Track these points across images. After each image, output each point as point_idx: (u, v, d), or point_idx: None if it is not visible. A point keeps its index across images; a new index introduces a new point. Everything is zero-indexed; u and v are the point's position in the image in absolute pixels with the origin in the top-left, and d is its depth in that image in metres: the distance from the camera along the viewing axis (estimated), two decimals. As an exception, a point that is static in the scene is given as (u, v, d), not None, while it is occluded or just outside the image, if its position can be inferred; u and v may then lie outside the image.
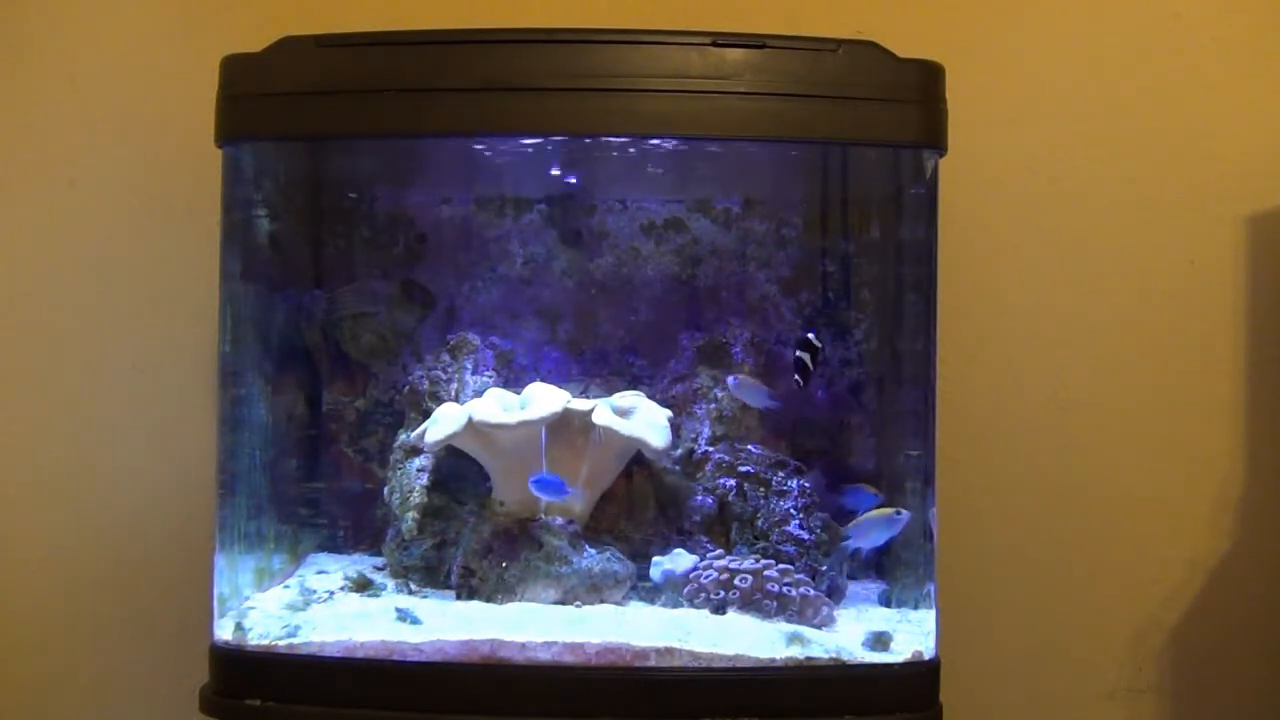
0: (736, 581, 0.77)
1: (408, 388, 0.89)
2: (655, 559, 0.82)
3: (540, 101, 0.72)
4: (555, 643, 0.72)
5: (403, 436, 0.88)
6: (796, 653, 0.72)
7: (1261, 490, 0.99)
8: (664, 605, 0.79)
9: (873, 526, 0.82)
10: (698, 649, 0.72)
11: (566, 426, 0.81)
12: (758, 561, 0.79)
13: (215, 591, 0.78)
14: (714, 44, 0.72)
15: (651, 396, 0.86)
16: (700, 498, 0.86)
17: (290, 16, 1.00)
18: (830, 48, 0.72)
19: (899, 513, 0.82)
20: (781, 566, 0.78)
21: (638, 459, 0.85)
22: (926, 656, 0.74)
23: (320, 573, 0.88)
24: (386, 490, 0.88)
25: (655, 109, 0.72)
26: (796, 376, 0.83)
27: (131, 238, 1.00)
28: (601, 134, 0.76)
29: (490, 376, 0.89)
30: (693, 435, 0.88)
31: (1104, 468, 1.00)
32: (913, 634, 0.76)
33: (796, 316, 0.94)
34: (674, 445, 0.85)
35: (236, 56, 0.75)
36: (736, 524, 0.85)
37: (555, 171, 0.92)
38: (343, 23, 0.94)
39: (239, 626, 0.75)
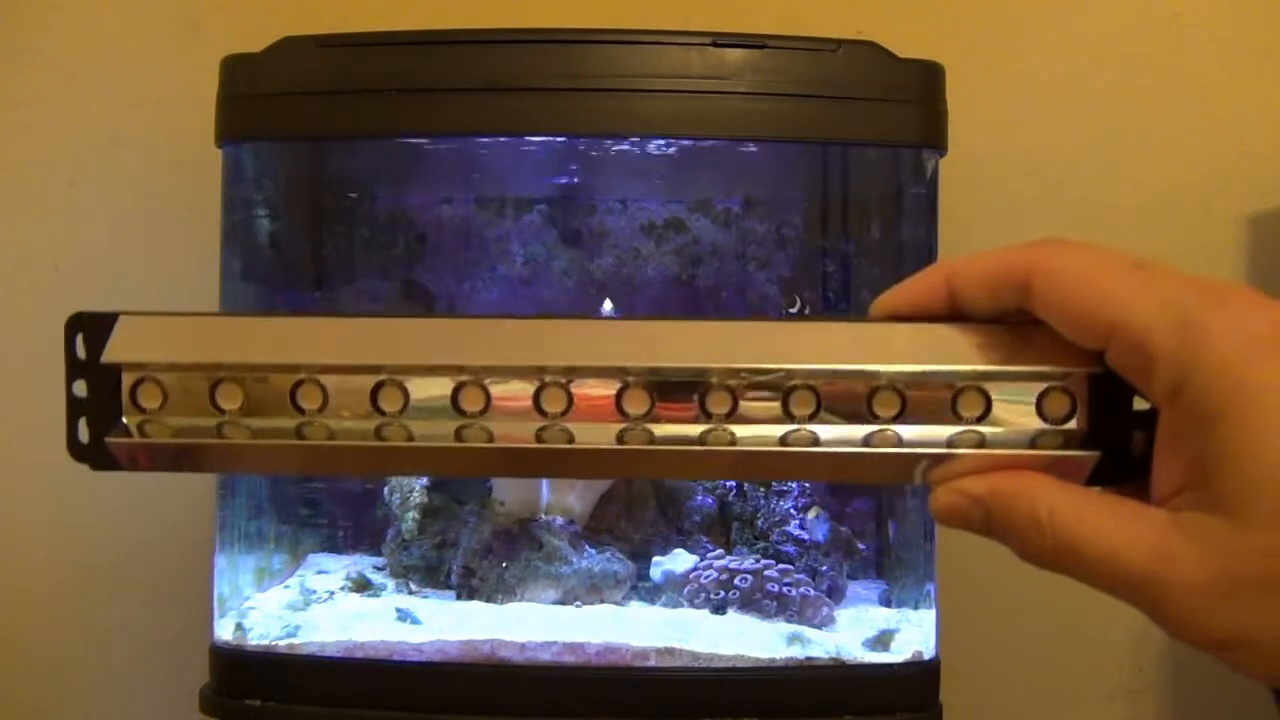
0: (736, 581, 0.77)
1: (408, 388, 0.89)
2: (655, 559, 0.82)
3: (540, 101, 0.72)
4: (555, 643, 0.72)
5: (403, 436, 0.88)
6: (796, 653, 0.72)
7: (1261, 490, 0.99)
8: (664, 605, 0.79)
9: None
10: (698, 649, 0.72)
11: (566, 426, 0.80)
12: (758, 561, 0.79)
13: (215, 591, 0.78)
14: (714, 44, 0.71)
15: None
16: (700, 498, 0.86)
17: (290, 16, 1.00)
18: (830, 48, 0.72)
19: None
20: (781, 566, 0.78)
21: (638, 459, 0.84)
22: (926, 656, 0.74)
23: (320, 573, 0.88)
24: (386, 490, 0.88)
25: (655, 109, 0.72)
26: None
27: (131, 238, 1.00)
28: (601, 134, 0.76)
29: (490, 376, 0.89)
30: (693, 435, 0.88)
31: (1104, 468, 0.99)
32: (913, 634, 0.76)
33: (797, 316, 0.94)
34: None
35: (236, 56, 0.75)
36: (736, 524, 0.86)
37: (559, 177, 0.92)
38: (343, 23, 0.94)
39: (239, 626, 0.75)
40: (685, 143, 0.77)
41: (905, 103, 0.73)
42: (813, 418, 0.33)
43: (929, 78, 0.75)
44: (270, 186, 0.87)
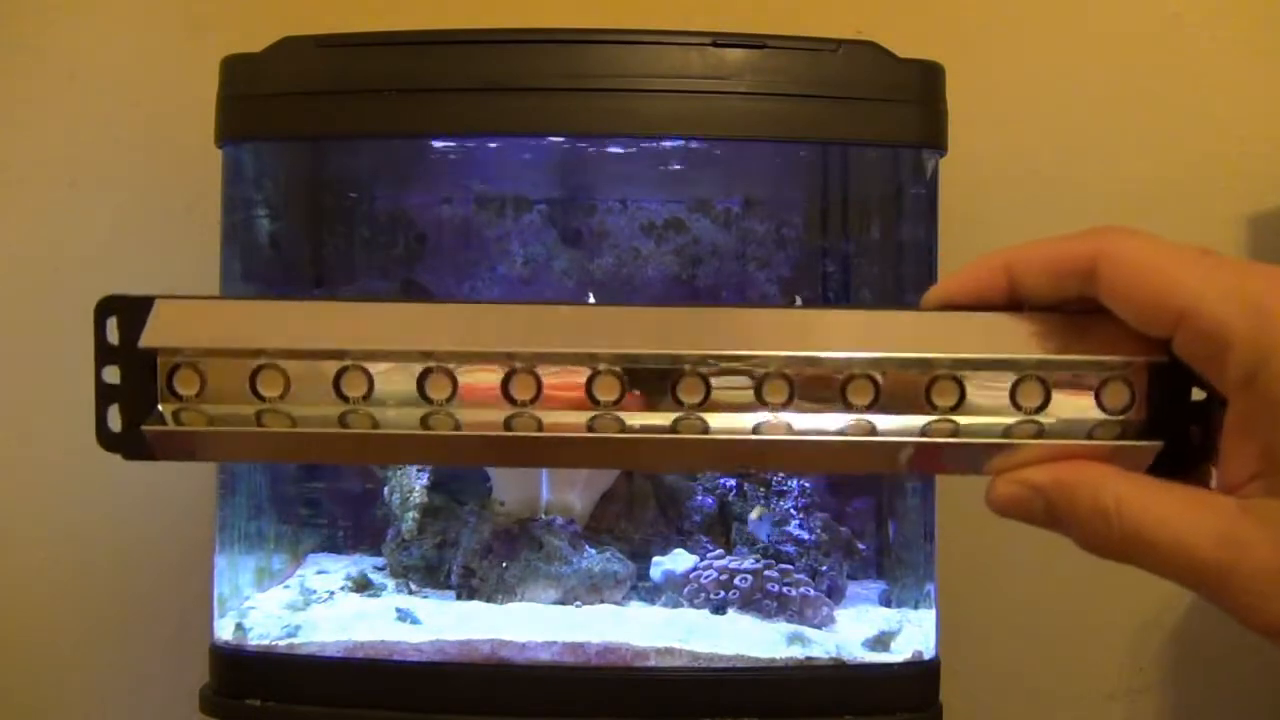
0: (736, 581, 0.77)
1: (408, 387, 0.89)
2: (655, 559, 0.82)
3: (540, 101, 0.72)
4: (555, 643, 0.72)
5: (403, 436, 0.88)
6: (796, 653, 0.72)
7: (1261, 490, 0.99)
8: (664, 605, 0.79)
9: None
10: (698, 649, 0.72)
11: (566, 426, 0.80)
12: (758, 561, 0.79)
13: (215, 591, 0.78)
14: (714, 44, 0.71)
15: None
16: (700, 498, 0.86)
17: (290, 16, 1.00)
18: (830, 48, 0.72)
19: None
20: (781, 566, 0.78)
21: (638, 459, 0.84)
22: (926, 656, 0.74)
23: (320, 573, 0.88)
24: (386, 490, 0.88)
25: (655, 109, 0.72)
26: None
27: (131, 238, 1.00)
28: (601, 134, 0.76)
29: (490, 376, 0.89)
30: (693, 435, 0.88)
31: (1104, 468, 0.99)
32: (913, 634, 0.76)
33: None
34: (674, 445, 0.85)
35: (236, 56, 0.75)
36: (736, 524, 0.85)
37: (559, 177, 0.92)
38: (343, 23, 0.94)
39: (239, 626, 0.75)
40: (685, 143, 0.77)
41: (905, 103, 0.73)
42: (870, 408, 0.33)
43: (929, 78, 0.75)
44: (270, 186, 0.87)
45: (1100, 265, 0.31)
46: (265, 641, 0.74)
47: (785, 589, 0.77)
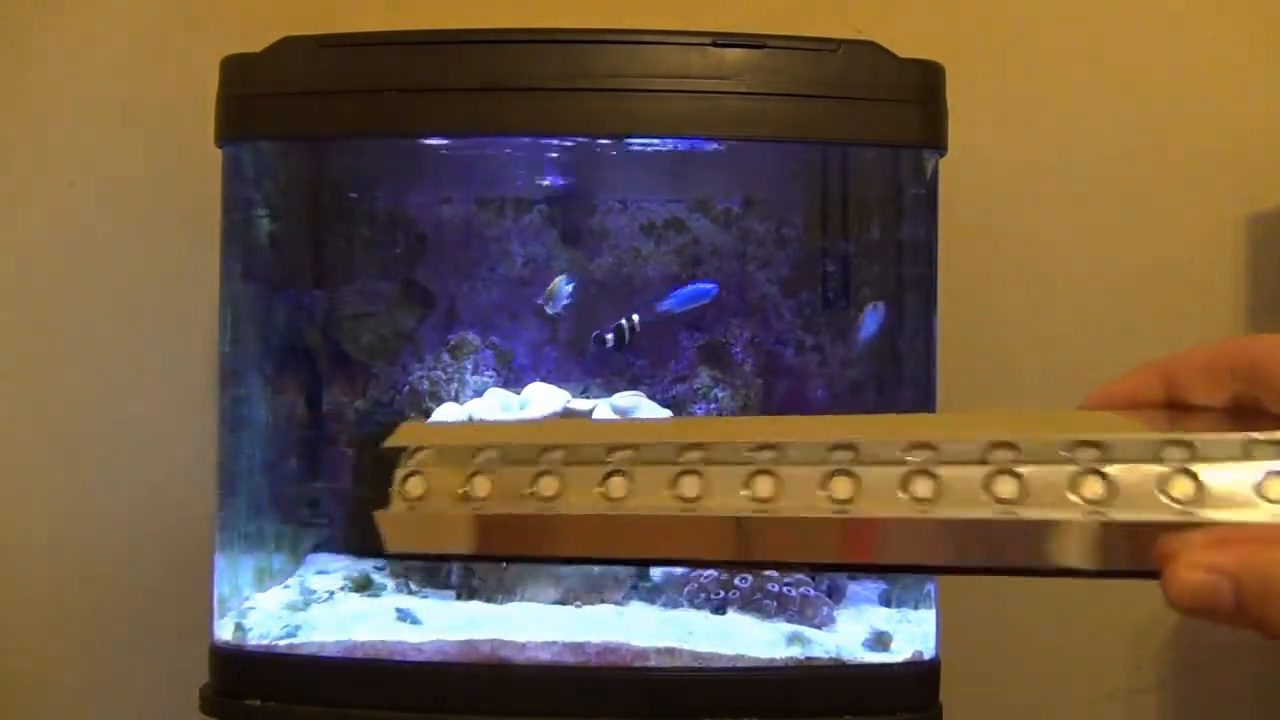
0: (736, 581, 0.77)
1: (408, 388, 0.89)
2: (655, 559, 0.82)
3: (540, 101, 0.72)
4: (555, 643, 0.72)
5: (403, 436, 0.88)
6: (796, 653, 0.72)
7: (1261, 490, 0.99)
8: (664, 605, 0.79)
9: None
10: (698, 649, 0.72)
11: (566, 426, 0.81)
12: (758, 561, 0.78)
13: (215, 591, 0.78)
14: (714, 44, 0.71)
15: (651, 396, 0.86)
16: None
17: (290, 16, 1.00)
18: (830, 48, 0.72)
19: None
20: (781, 566, 0.79)
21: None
22: (926, 656, 0.74)
23: (320, 573, 0.88)
24: (387, 490, 0.87)
25: (655, 109, 0.72)
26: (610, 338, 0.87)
27: (131, 238, 1.00)
28: (601, 134, 0.76)
29: (490, 376, 0.89)
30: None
31: (1104, 468, 0.99)
32: (913, 634, 0.76)
33: (797, 316, 0.94)
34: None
35: (236, 56, 0.75)
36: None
37: (560, 177, 0.92)
38: (343, 23, 0.94)
39: (239, 626, 0.75)
40: (685, 143, 0.77)
41: (905, 103, 0.73)
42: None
43: (929, 78, 0.75)
44: (270, 186, 0.86)
45: (1267, 363, 0.30)
46: (265, 641, 0.74)
47: (785, 589, 0.77)
